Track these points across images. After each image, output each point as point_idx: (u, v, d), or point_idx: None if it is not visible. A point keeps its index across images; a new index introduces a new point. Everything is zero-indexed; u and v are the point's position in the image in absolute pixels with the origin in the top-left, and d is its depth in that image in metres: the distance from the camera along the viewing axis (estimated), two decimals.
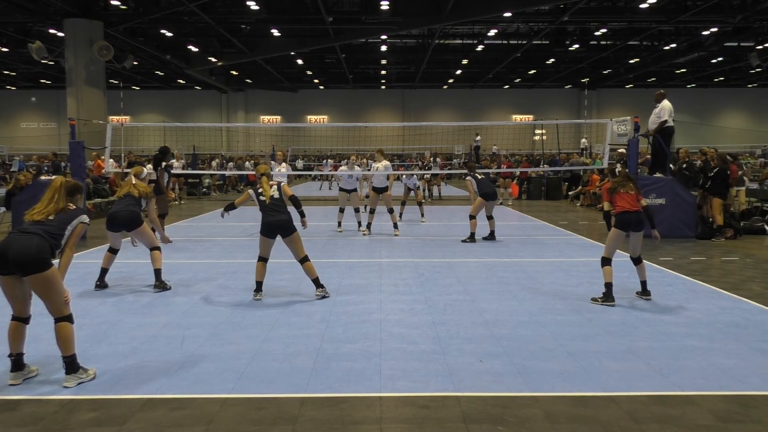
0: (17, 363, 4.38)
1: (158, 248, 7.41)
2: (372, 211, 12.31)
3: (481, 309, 6.35)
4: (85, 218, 4.60)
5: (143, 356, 4.93)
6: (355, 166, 13.41)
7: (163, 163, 11.65)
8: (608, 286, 6.60)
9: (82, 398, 4.11)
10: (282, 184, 7.04)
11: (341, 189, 12.96)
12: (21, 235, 4.28)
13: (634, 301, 6.70)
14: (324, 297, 6.82)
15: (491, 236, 11.34)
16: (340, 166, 15.11)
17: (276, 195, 6.85)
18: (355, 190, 12.83)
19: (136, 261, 9.33)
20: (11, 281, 4.26)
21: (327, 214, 16.28)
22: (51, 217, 4.44)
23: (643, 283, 6.87)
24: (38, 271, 4.18)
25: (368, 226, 12.31)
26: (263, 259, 6.87)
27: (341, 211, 12.87)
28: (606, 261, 6.72)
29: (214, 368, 4.65)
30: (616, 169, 7.17)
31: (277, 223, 6.71)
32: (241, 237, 11.89)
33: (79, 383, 4.34)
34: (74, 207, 4.63)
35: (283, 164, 13.18)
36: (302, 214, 7.06)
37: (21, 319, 4.38)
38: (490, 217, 11.40)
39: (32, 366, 4.52)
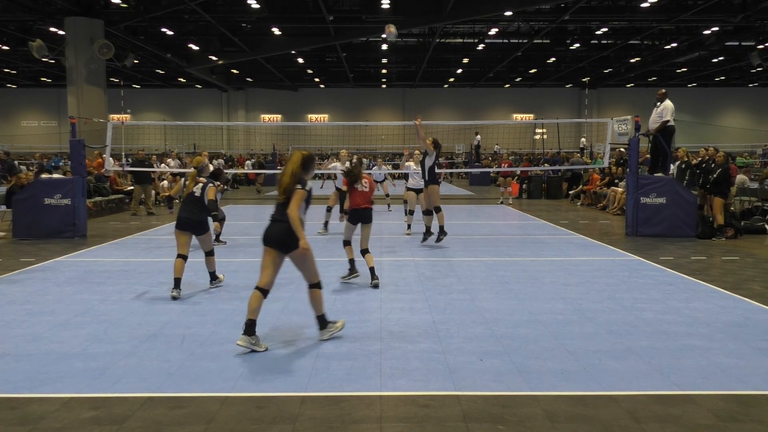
0: (250, 327, 5.00)
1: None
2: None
3: (482, 308, 6.35)
4: (299, 189, 5.04)
5: (143, 355, 4.93)
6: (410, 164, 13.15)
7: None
8: (351, 261, 7.58)
9: (83, 396, 4.11)
10: (209, 186, 7.07)
11: (409, 189, 12.34)
12: (274, 223, 5.11)
13: (634, 301, 6.70)
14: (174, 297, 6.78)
15: (428, 233, 10.55)
16: (406, 162, 14.84)
17: (197, 193, 7.01)
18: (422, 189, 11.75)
19: (136, 260, 9.34)
20: (275, 254, 5.10)
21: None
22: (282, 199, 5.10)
23: (372, 269, 7.39)
24: (294, 248, 4.99)
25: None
26: (181, 256, 6.92)
27: (410, 213, 12.20)
28: (346, 243, 7.66)
29: (214, 367, 4.65)
30: (353, 161, 7.60)
31: (189, 221, 6.97)
32: (241, 236, 11.87)
33: (331, 336, 5.25)
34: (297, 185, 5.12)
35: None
36: (214, 218, 7.33)
37: (263, 291, 5.07)
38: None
39: (263, 343, 5.05)
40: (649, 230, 11.55)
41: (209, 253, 7.27)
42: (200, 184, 7.08)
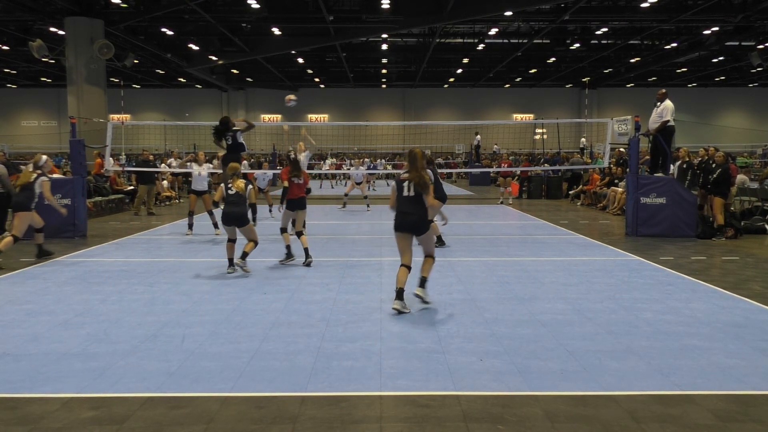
0: (400, 293, 6.19)
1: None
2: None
3: (482, 308, 6.35)
4: (432, 185, 6.30)
5: (143, 355, 4.93)
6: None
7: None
8: (288, 247, 8.74)
9: (83, 396, 4.11)
10: (250, 188, 8.37)
11: None
12: (407, 215, 6.22)
13: (634, 301, 6.70)
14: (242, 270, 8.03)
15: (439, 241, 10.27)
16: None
17: (241, 192, 8.13)
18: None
19: (136, 260, 9.35)
20: (409, 238, 6.28)
21: (326, 213, 16.30)
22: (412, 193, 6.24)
23: (306, 250, 8.54)
24: (424, 231, 6.29)
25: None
26: (230, 240, 8.27)
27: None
28: (283, 230, 8.97)
29: (214, 367, 4.65)
30: (290, 156, 9.31)
31: (232, 214, 8.07)
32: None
33: (422, 298, 6.32)
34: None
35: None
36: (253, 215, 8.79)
37: (408, 267, 6.27)
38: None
39: (427, 299, 6.47)
40: (649, 230, 11.55)
41: (251, 240, 8.28)
42: (242, 185, 8.20)
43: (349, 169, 20.18)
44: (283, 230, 8.95)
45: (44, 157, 9.60)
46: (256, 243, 8.36)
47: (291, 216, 8.97)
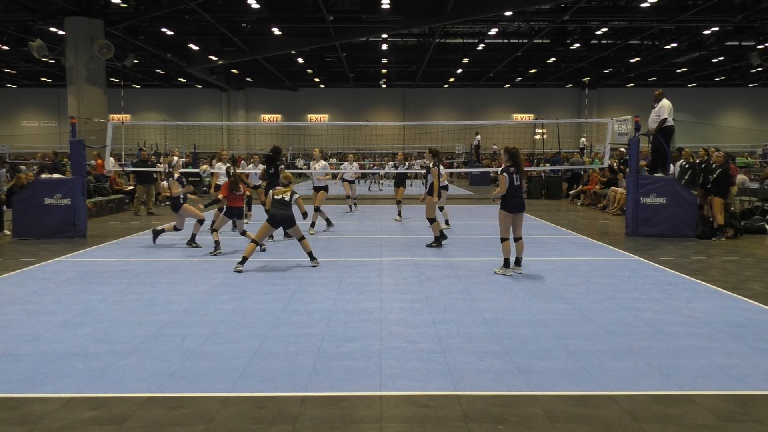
0: (516, 262, 8.11)
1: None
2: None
3: (482, 308, 6.35)
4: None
5: (143, 355, 4.93)
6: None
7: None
8: (217, 243, 9.72)
9: (83, 396, 4.11)
10: (296, 196, 8.69)
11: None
12: (518, 198, 8.04)
13: (634, 301, 6.70)
14: (316, 266, 8.53)
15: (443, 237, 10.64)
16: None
17: (287, 198, 8.60)
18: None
19: (136, 260, 9.35)
20: (516, 217, 8.13)
21: (326, 214, 16.27)
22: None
23: (217, 243, 9.55)
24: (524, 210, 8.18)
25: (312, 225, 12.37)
26: (255, 242, 8.64)
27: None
28: (213, 230, 9.98)
29: (214, 367, 4.65)
30: (230, 171, 10.19)
31: (283, 216, 8.53)
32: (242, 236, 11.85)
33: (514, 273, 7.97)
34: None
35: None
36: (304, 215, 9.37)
37: (507, 239, 8.06)
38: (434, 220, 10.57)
39: (519, 268, 8.06)
40: (649, 230, 11.55)
41: (302, 239, 8.77)
42: (289, 192, 8.66)
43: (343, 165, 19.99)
44: (214, 230, 9.92)
45: (175, 157, 11.32)
46: (304, 238, 8.86)
47: (226, 221, 10.21)
